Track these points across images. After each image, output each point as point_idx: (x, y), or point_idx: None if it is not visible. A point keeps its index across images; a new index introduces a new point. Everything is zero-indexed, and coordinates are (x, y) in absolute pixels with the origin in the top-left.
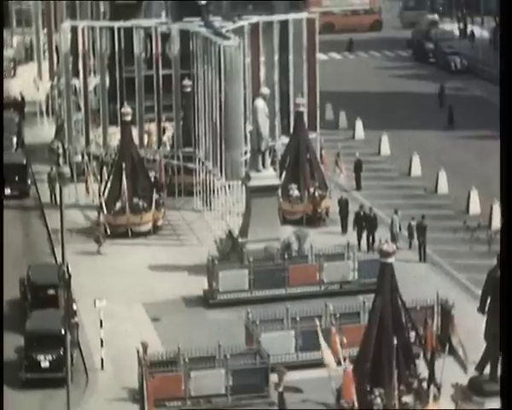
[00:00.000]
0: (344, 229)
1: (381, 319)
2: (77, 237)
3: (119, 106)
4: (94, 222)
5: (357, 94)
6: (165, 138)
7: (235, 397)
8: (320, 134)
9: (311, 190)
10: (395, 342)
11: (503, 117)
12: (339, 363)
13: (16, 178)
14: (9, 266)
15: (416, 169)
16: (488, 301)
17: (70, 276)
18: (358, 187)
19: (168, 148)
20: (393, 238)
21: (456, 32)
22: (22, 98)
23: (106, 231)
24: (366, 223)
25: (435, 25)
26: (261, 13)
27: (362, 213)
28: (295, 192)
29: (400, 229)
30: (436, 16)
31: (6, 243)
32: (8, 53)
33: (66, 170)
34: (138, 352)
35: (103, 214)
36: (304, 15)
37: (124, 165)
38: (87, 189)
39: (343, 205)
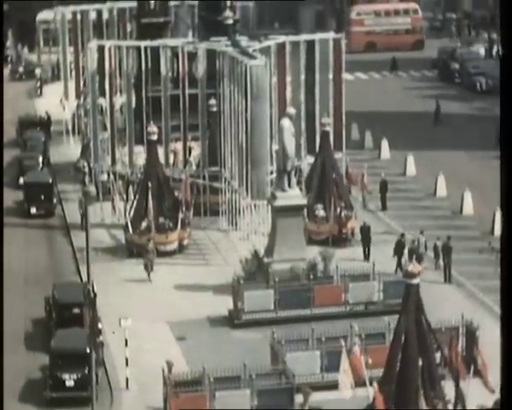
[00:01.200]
0: (366, 256)
1: (406, 340)
2: (102, 255)
3: (145, 125)
4: (143, 249)
5: (382, 114)
6: (191, 158)
7: None
8: (346, 154)
9: (337, 210)
10: (420, 363)
11: (503, 126)
12: (363, 384)
13: (42, 197)
14: (34, 285)
15: (442, 190)
16: None
17: (95, 295)
18: (384, 207)
19: (194, 167)
20: (419, 259)
21: (482, 52)
22: (48, 117)
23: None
24: (412, 254)
25: (493, 43)
26: (288, 31)
27: (403, 241)
28: (321, 212)
29: (426, 249)
30: (494, 35)
31: (31, 261)
32: (35, 72)
33: (92, 189)
34: (163, 371)
35: (153, 241)
36: (330, 35)
37: (150, 184)
38: (113, 208)
39: (365, 232)
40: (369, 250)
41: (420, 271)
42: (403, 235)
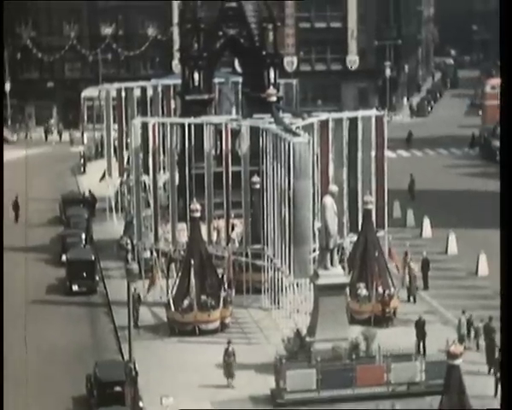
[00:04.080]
0: (422, 352)
1: None
2: (144, 333)
3: (188, 202)
4: (224, 352)
5: (424, 192)
6: (233, 235)
7: None
8: (388, 232)
9: (379, 289)
10: None
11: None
12: None
13: (84, 275)
14: (76, 363)
15: (484, 269)
16: None
17: (137, 373)
18: (426, 286)
19: (237, 245)
20: (461, 340)
21: None
22: (92, 195)
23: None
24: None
25: None
26: (330, 108)
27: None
28: (363, 291)
29: (469, 330)
30: None
31: (73, 339)
32: (79, 149)
33: (135, 266)
34: None
35: (230, 344)
36: (373, 112)
37: (192, 261)
38: (148, 287)
39: (420, 327)
40: (424, 345)
41: (461, 352)
42: (463, 312)
